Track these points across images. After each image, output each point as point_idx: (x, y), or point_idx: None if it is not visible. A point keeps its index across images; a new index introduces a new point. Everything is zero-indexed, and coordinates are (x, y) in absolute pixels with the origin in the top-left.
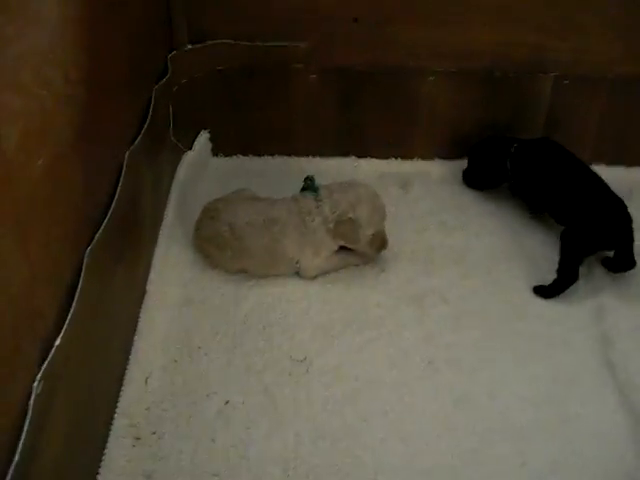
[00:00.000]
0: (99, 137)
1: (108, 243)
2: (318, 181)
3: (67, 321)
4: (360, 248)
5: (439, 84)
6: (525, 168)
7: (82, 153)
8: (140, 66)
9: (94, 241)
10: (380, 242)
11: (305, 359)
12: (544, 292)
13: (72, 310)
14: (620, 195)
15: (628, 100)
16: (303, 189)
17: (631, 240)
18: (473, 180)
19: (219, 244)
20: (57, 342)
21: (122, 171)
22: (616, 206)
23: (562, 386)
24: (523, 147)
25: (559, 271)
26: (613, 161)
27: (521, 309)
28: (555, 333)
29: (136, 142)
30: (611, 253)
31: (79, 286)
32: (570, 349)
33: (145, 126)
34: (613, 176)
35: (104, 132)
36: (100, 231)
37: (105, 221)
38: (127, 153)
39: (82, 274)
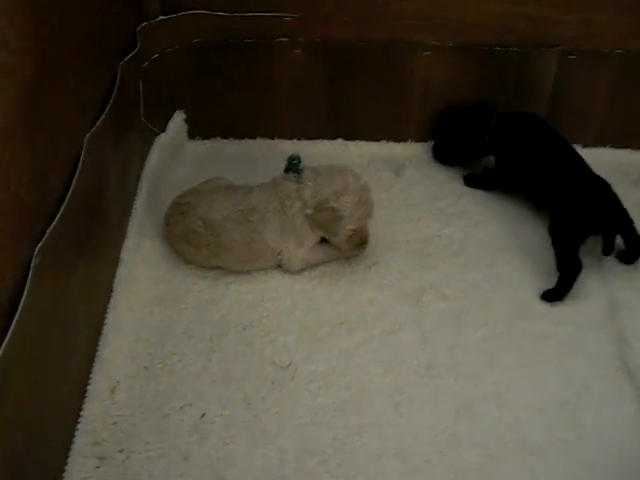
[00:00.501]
0: (49, 117)
1: (64, 239)
2: (304, 163)
3: (9, 333)
4: (336, 242)
5: (435, 60)
6: (506, 143)
7: (27, 136)
8: (103, 38)
9: (45, 238)
10: (359, 240)
11: (290, 365)
12: (552, 296)
13: (15, 319)
14: (628, 180)
15: (638, 77)
16: (286, 170)
17: (629, 222)
18: (445, 154)
19: (193, 242)
20: None
21: (80, 157)
22: (598, 187)
23: (574, 392)
24: (504, 120)
25: (559, 267)
26: (620, 143)
27: (527, 306)
28: (565, 332)
29: (98, 123)
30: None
31: (25, 291)
32: (582, 350)
33: (109, 105)
34: (619, 159)
35: (57, 112)
36: (52, 226)
37: (59, 214)
38: (87, 136)
39: (29, 277)
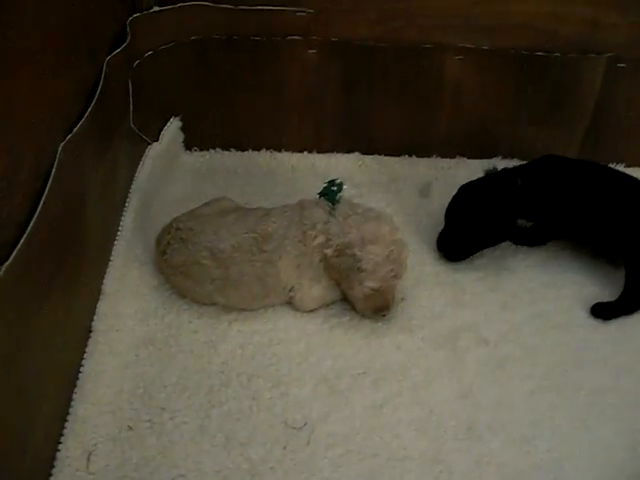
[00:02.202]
0: (9, 122)
1: (28, 270)
2: (343, 194)
3: None
4: (352, 298)
5: (467, 64)
6: (548, 199)
7: None
8: (85, 28)
9: (4, 267)
10: (380, 303)
11: (305, 426)
12: (604, 312)
13: None
14: None
15: None
16: (321, 195)
17: None
18: (464, 245)
19: (195, 275)
20: None
21: (52, 169)
22: None
23: None
24: (531, 176)
25: (627, 290)
26: None
27: (580, 351)
28: (625, 385)
29: (75, 130)
30: None
31: None
32: None
33: (89, 109)
34: None
35: (20, 115)
36: (13, 255)
37: (22, 240)
38: (61, 145)
39: None
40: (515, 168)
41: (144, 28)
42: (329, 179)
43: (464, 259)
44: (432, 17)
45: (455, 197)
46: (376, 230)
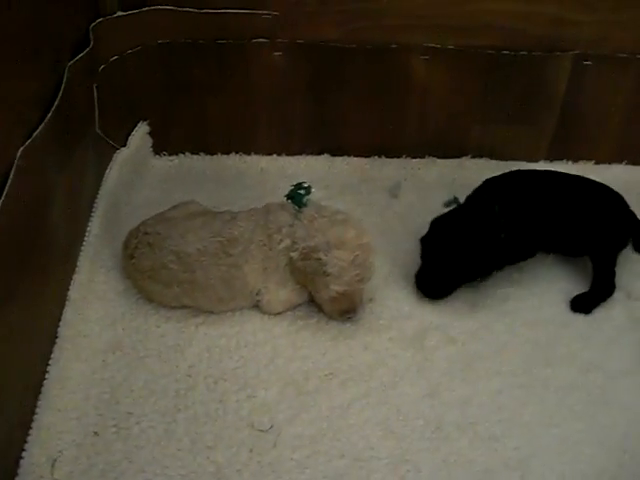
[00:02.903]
0: None
1: None
2: (311, 198)
3: None
4: (318, 300)
5: (434, 64)
6: (525, 219)
7: None
8: (46, 35)
9: None
10: (348, 306)
11: (271, 428)
12: (583, 305)
13: None
14: None
15: None
16: (288, 198)
17: None
18: (445, 282)
19: (162, 279)
20: None
21: (10, 175)
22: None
23: (612, 457)
24: (509, 197)
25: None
26: (638, 160)
27: (550, 348)
28: (594, 382)
29: (35, 135)
30: None
31: None
32: (614, 403)
33: (50, 114)
34: (637, 177)
35: None
36: None
37: None
38: (20, 150)
39: None
40: (484, 194)
41: (108, 33)
42: (296, 182)
43: (447, 296)
44: (398, 17)
45: (430, 233)
46: (342, 234)
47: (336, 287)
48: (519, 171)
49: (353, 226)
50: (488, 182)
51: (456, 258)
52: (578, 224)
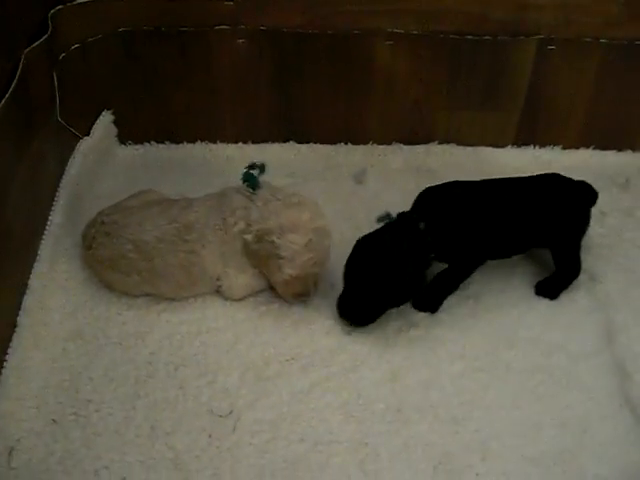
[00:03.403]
0: None
1: None
2: (265, 178)
3: None
4: (272, 282)
5: (398, 50)
6: (457, 235)
7: None
8: (1, 20)
9: None
10: (301, 290)
11: (231, 413)
12: (548, 290)
13: None
14: (615, 185)
15: (625, 70)
16: (244, 180)
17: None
18: (370, 308)
19: (121, 268)
20: None
21: None
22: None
23: (572, 437)
24: (435, 212)
25: (562, 267)
26: (605, 144)
27: (511, 332)
28: (557, 364)
29: None
30: None
31: None
32: (577, 384)
33: (3, 101)
34: (604, 162)
35: None
36: None
37: None
38: None
39: None
40: (413, 210)
41: (68, 20)
42: (249, 164)
43: (372, 322)
44: (360, 3)
45: (352, 254)
46: (296, 217)
47: (289, 270)
48: (457, 182)
49: (308, 209)
50: (425, 194)
51: (378, 283)
52: (532, 224)
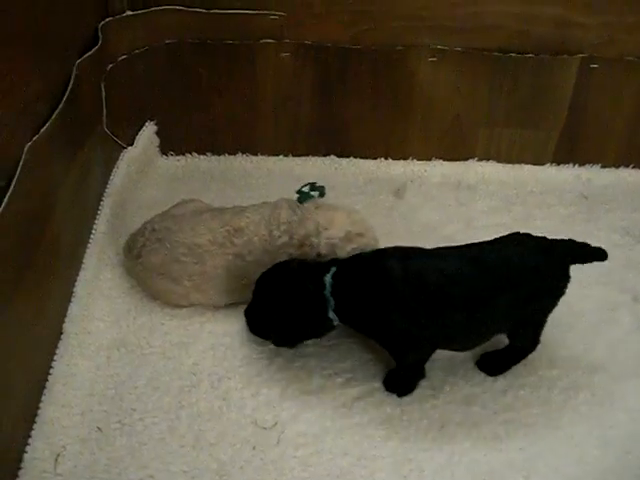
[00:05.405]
0: None
1: None
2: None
3: None
4: None
5: (441, 66)
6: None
7: None
8: (55, 33)
9: None
10: None
11: (275, 425)
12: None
13: None
14: None
15: None
16: (299, 194)
17: None
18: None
19: (173, 273)
20: None
21: (17, 171)
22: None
23: (615, 458)
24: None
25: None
26: None
27: (553, 350)
28: (599, 383)
29: (42, 131)
30: None
31: None
32: (619, 405)
33: (57, 111)
34: None
35: None
36: None
37: None
38: (27, 146)
39: None
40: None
41: (117, 32)
42: (311, 181)
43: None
44: (403, 19)
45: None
46: (331, 216)
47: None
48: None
49: (345, 209)
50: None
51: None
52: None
